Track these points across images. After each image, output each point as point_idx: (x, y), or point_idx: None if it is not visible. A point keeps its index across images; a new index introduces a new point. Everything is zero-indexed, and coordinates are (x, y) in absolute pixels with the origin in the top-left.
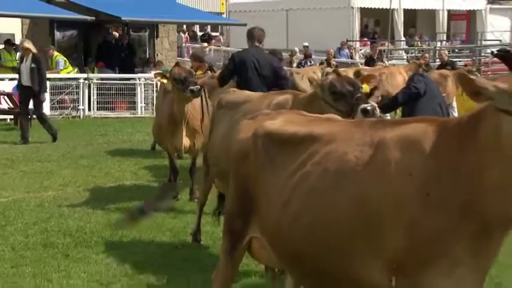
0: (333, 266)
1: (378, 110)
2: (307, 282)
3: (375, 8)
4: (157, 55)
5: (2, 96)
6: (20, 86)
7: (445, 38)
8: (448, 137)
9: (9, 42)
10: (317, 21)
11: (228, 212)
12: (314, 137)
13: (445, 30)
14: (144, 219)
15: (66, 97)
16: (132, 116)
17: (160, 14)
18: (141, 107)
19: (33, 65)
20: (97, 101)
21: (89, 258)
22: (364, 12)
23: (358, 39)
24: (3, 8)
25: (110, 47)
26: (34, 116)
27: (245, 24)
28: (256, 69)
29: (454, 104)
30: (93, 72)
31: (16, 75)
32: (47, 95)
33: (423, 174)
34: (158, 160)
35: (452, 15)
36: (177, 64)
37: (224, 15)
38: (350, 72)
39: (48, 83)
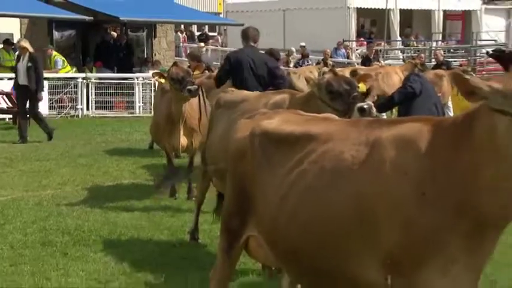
0: (329, 264)
1: (374, 109)
2: (304, 280)
3: (371, 8)
4: (155, 55)
5: (0, 95)
6: (16, 85)
7: (440, 38)
8: (443, 136)
9: (8, 42)
10: (314, 21)
11: (226, 210)
12: (311, 136)
13: (441, 31)
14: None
15: (65, 96)
16: (130, 115)
17: (158, 14)
18: (139, 106)
19: (30, 64)
20: (95, 101)
21: (87, 257)
22: (361, 12)
23: (354, 39)
24: (2, 7)
25: (108, 47)
26: None
27: (242, 24)
28: (251, 69)
29: (450, 103)
30: (91, 72)
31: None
32: (46, 95)
33: (418, 173)
34: (156, 159)
35: (448, 15)
36: (175, 64)
37: (222, 15)
38: (346, 72)
39: (46, 83)
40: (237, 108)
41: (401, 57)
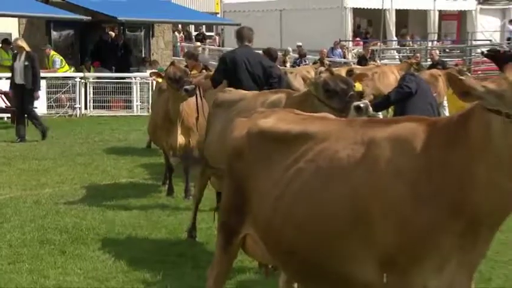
0: (325, 263)
1: (370, 108)
2: (300, 278)
3: (367, 9)
4: (152, 54)
5: None
6: (13, 85)
7: (436, 38)
8: (438, 136)
9: (6, 42)
10: (310, 21)
11: (223, 208)
12: (307, 135)
13: (436, 30)
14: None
15: (63, 96)
16: (127, 114)
17: (155, 14)
18: (137, 105)
19: (27, 63)
20: (93, 100)
21: (85, 255)
22: (357, 12)
23: (350, 39)
24: (0, 7)
25: (106, 47)
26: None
27: (239, 24)
28: (247, 69)
29: (445, 103)
30: (89, 72)
31: None
32: (44, 94)
33: (413, 172)
34: (154, 158)
35: (443, 15)
36: (172, 63)
37: (219, 15)
38: (343, 72)
39: (45, 82)
40: (234, 107)
41: (397, 57)
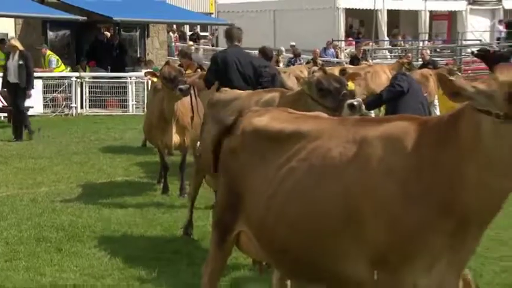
0: (318, 260)
1: (363, 106)
2: (293, 275)
3: (359, 9)
4: (147, 54)
5: None
6: (6, 83)
7: (427, 38)
8: (428, 135)
9: (2, 42)
10: (303, 21)
11: (218, 205)
12: (300, 133)
13: (427, 31)
14: None
15: (59, 95)
16: (123, 113)
17: (150, 14)
18: (132, 105)
19: (21, 62)
20: (89, 99)
21: (81, 252)
22: (349, 12)
23: (343, 39)
24: None
25: (101, 47)
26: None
27: (232, 25)
28: (238, 69)
29: (436, 102)
30: (85, 71)
31: None
32: (40, 93)
33: (404, 171)
34: (149, 157)
35: (434, 15)
36: (167, 63)
37: (213, 16)
38: (336, 71)
39: (41, 82)
40: (229, 106)
41: (389, 56)
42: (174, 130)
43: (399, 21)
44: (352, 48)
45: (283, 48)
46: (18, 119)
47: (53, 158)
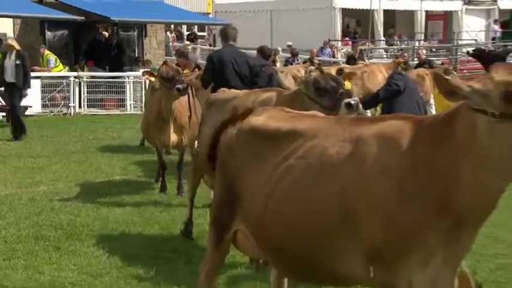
0: (315, 259)
1: (360, 105)
2: (291, 273)
3: (356, 9)
4: (145, 54)
5: None
6: (3, 83)
7: (422, 38)
8: (424, 134)
9: (0, 42)
10: (300, 21)
11: (215, 204)
12: (297, 132)
13: (423, 30)
14: None
15: (57, 95)
16: (121, 113)
17: (148, 14)
18: (130, 104)
19: (18, 62)
20: (87, 99)
21: (79, 251)
22: (346, 12)
23: (340, 38)
24: None
25: (99, 46)
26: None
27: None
28: (234, 69)
29: (432, 101)
30: (83, 71)
31: None
32: (39, 93)
33: (400, 170)
34: (147, 156)
35: (430, 15)
36: (165, 63)
37: (211, 16)
38: (333, 71)
39: (39, 81)
40: (226, 106)
41: (385, 56)
42: (172, 129)
43: (395, 21)
44: (348, 48)
45: (279, 48)
46: (14, 117)
47: (51, 157)
